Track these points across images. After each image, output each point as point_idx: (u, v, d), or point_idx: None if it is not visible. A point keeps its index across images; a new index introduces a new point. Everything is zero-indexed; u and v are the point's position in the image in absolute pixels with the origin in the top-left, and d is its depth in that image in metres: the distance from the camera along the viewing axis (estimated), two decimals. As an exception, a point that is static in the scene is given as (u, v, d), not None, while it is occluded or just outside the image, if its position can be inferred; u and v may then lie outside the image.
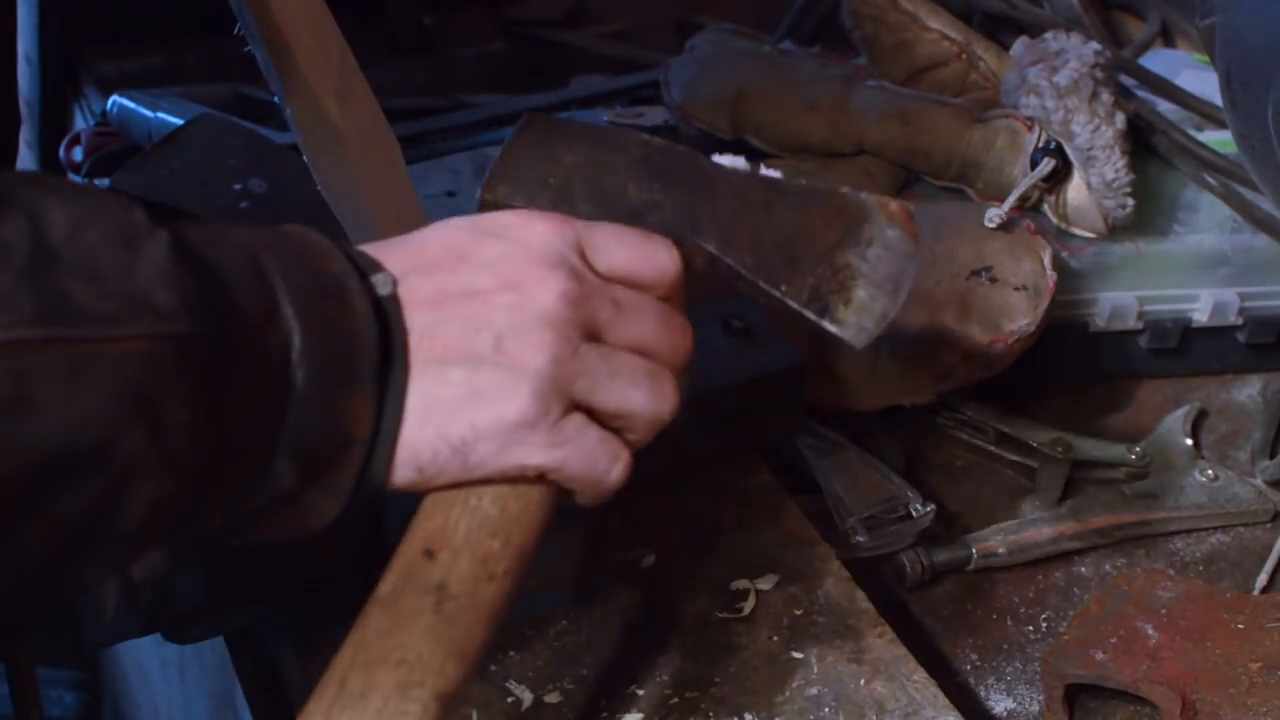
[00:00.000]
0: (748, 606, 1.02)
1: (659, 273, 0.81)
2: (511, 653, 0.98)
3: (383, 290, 0.74)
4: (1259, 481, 1.25)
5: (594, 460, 0.77)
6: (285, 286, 0.70)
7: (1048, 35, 1.37)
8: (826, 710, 0.95)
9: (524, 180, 0.86)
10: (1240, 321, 1.34)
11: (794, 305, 0.86)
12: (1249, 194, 1.34)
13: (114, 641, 0.94)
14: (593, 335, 0.77)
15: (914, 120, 1.32)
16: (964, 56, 1.40)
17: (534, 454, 0.75)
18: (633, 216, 0.84)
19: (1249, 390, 1.36)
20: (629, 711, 0.94)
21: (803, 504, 1.11)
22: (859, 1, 1.43)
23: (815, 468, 1.17)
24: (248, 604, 0.97)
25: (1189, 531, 1.21)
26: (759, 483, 1.12)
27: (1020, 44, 1.40)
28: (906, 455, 1.24)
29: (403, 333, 0.74)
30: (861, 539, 1.12)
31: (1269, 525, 1.22)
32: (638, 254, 0.80)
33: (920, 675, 0.97)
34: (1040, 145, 1.28)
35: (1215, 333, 1.35)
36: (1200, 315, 1.33)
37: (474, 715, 0.94)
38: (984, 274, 1.21)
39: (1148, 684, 0.99)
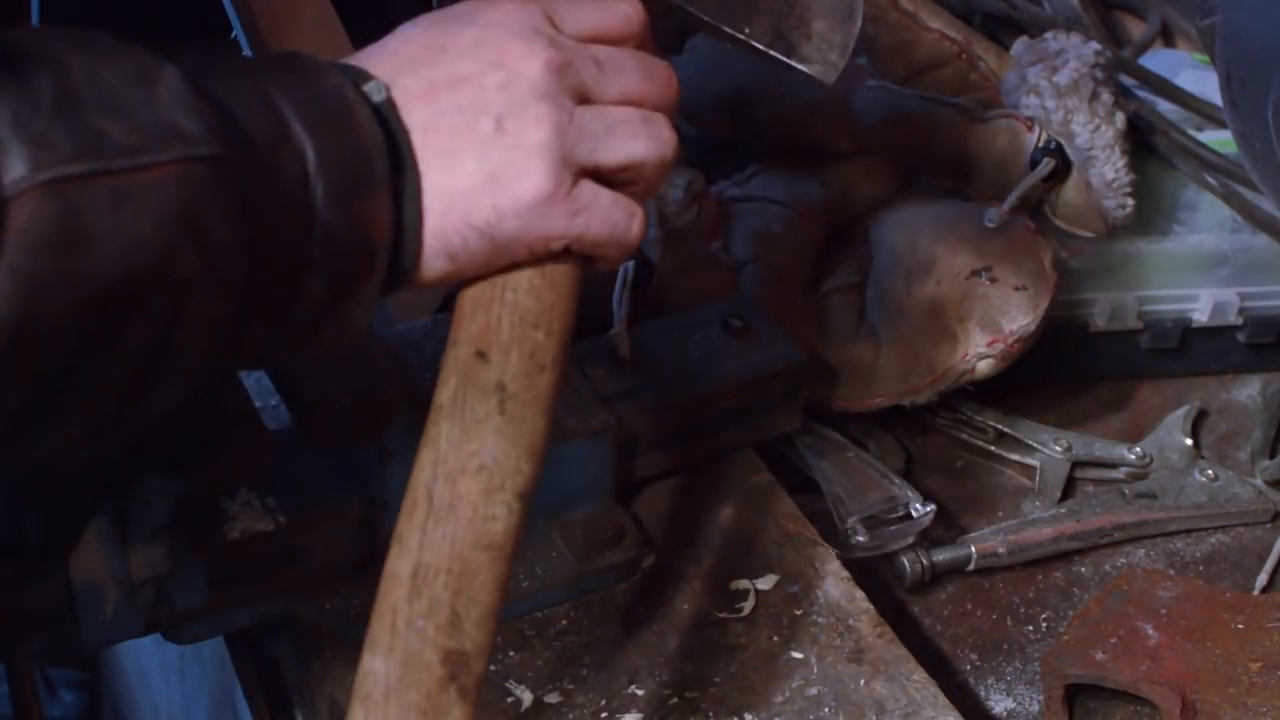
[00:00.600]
0: (748, 606, 1.02)
1: (625, 24, 0.83)
2: (511, 653, 0.98)
3: (378, 97, 0.76)
4: (1259, 481, 1.25)
5: (613, 220, 0.80)
6: (291, 106, 0.72)
7: (1048, 35, 1.37)
8: (826, 710, 0.95)
9: None
10: (1240, 321, 1.34)
11: (759, 46, 0.88)
12: (1249, 194, 1.34)
13: (114, 641, 0.94)
14: (582, 98, 0.79)
15: (914, 120, 1.32)
16: (964, 56, 1.40)
17: (557, 225, 0.78)
18: None
19: (1249, 390, 1.36)
20: (629, 711, 0.94)
21: (803, 504, 1.11)
22: (859, 1, 1.43)
23: (815, 468, 1.17)
24: (248, 604, 0.97)
25: (1189, 531, 1.21)
26: (759, 483, 1.12)
27: (1020, 44, 1.39)
28: (906, 455, 1.24)
29: (405, 132, 0.75)
30: (861, 539, 1.12)
31: (1269, 525, 1.22)
32: (602, 11, 0.82)
33: (920, 675, 0.97)
34: (1040, 145, 1.28)
35: (1215, 333, 1.35)
36: (1200, 315, 1.33)
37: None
38: (984, 274, 1.21)
39: (1148, 684, 0.99)
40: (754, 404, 1.11)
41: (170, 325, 0.68)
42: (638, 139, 0.80)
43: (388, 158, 0.75)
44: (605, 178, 0.80)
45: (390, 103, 0.76)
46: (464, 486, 0.75)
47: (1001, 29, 1.52)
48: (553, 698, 0.95)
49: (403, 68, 0.77)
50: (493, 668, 0.97)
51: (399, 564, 0.74)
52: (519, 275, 0.79)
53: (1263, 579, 1.16)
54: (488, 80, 0.77)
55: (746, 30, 0.87)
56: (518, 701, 0.95)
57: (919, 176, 1.35)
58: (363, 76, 0.77)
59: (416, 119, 0.76)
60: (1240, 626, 1.04)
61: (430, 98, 0.76)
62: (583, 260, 0.81)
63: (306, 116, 0.73)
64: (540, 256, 0.79)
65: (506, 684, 0.96)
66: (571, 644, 0.99)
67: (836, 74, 0.89)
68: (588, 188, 0.79)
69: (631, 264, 1.20)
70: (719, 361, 1.11)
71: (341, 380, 0.93)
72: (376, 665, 0.73)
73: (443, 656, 0.73)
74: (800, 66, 0.88)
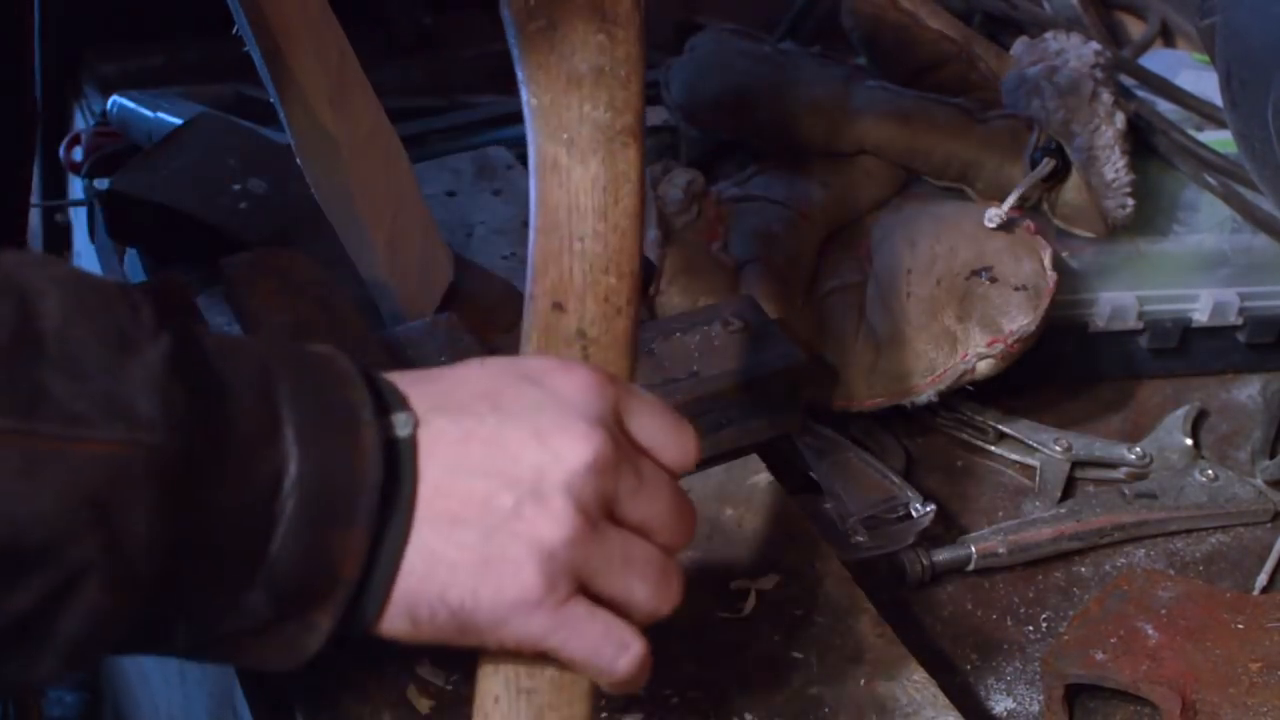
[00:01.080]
0: (748, 606, 1.02)
1: (681, 455, 0.77)
2: (511, 653, 0.98)
3: (402, 431, 0.70)
4: (1259, 481, 1.25)
5: (597, 649, 0.73)
6: (292, 408, 0.67)
7: (1048, 35, 1.37)
8: (826, 710, 0.94)
9: None
10: (1240, 321, 1.34)
11: None
12: (1249, 194, 1.34)
13: (114, 642, 0.94)
14: (610, 507, 0.73)
15: (914, 120, 1.32)
16: (964, 56, 1.40)
17: (534, 632, 0.72)
18: None
19: (1249, 390, 1.36)
20: (629, 711, 0.94)
21: (803, 504, 1.11)
22: (859, 1, 1.43)
23: (815, 468, 1.17)
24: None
25: (1189, 531, 1.21)
26: (759, 483, 1.12)
27: (1020, 44, 1.40)
28: (906, 455, 1.24)
29: (413, 479, 0.70)
30: (861, 539, 1.12)
31: (1269, 525, 1.22)
32: (669, 432, 0.77)
33: (920, 675, 0.97)
34: (1040, 145, 1.28)
35: (1215, 333, 1.35)
36: (1200, 315, 1.33)
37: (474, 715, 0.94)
38: (984, 274, 1.21)
39: (1148, 684, 0.99)
40: (754, 404, 1.11)
41: (51, 605, 0.62)
42: (645, 583, 0.74)
43: (379, 498, 0.68)
44: (597, 599, 0.74)
45: (413, 442, 0.70)
46: None
47: (1001, 29, 1.52)
48: (553, 698, 0.95)
49: (445, 408, 0.71)
50: (493, 668, 0.97)
51: None
52: (584, 223, 0.80)
53: (1263, 579, 1.16)
54: (527, 456, 0.71)
55: None
56: (518, 701, 0.95)
57: (919, 176, 1.35)
58: (398, 403, 0.71)
59: (434, 470, 0.70)
60: (1240, 626, 1.04)
61: (459, 453, 0.71)
62: None
63: (304, 425, 0.67)
64: (520, 646, 0.73)
65: (506, 684, 0.96)
66: (571, 644, 0.99)
67: None
68: (583, 607, 0.72)
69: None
70: (719, 361, 1.11)
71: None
72: None
73: None
74: None
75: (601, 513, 0.73)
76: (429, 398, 0.72)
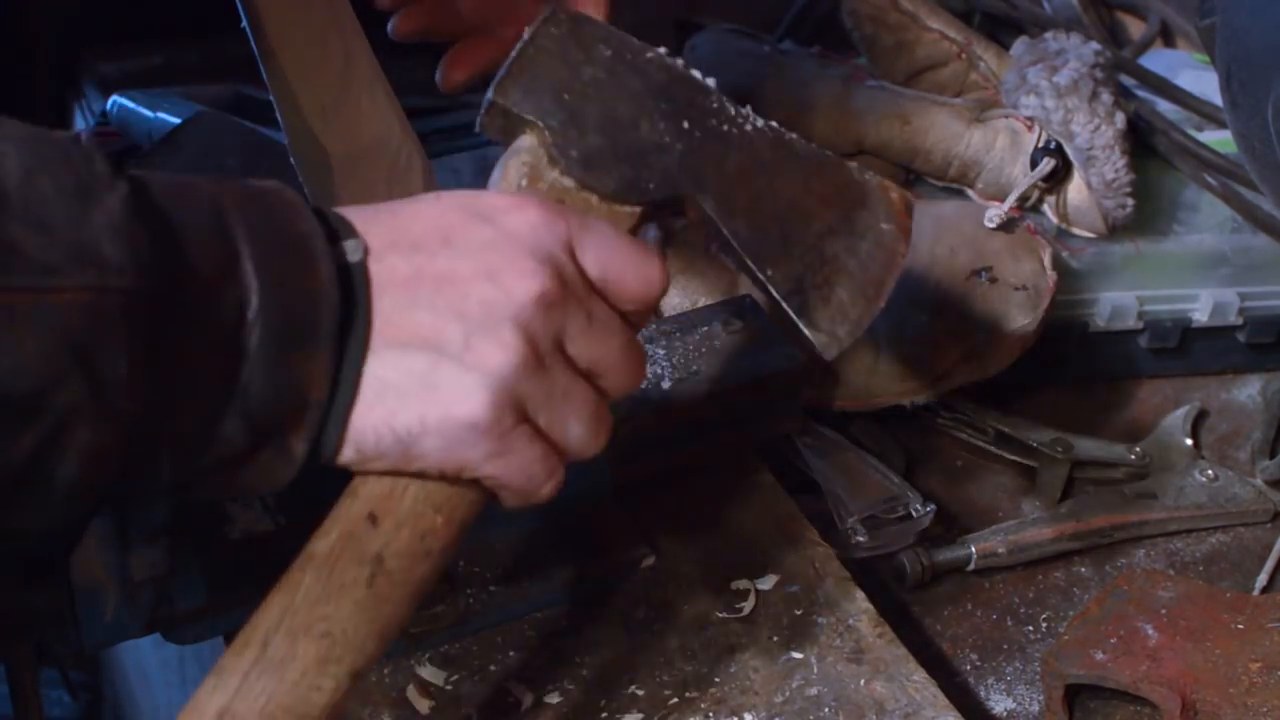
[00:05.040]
0: (748, 606, 1.02)
1: (644, 286, 0.78)
2: (511, 653, 0.98)
3: (353, 257, 0.72)
4: (1259, 481, 1.25)
5: (530, 475, 0.75)
6: (248, 242, 0.69)
7: (1048, 35, 1.37)
8: (826, 710, 0.95)
9: (539, 89, 0.83)
10: (1240, 321, 1.34)
11: (775, 293, 0.83)
12: (1249, 194, 1.34)
13: (114, 641, 0.94)
14: (559, 344, 0.75)
15: (914, 120, 1.32)
16: (964, 56, 1.40)
17: (476, 460, 0.73)
18: (638, 156, 0.82)
19: (1249, 390, 1.36)
20: (629, 711, 0.94)
21: (803, 504, 1.11)
22: (859, 1, 1.43)
23: (815, 468, 1.17)
24: (248, 604, 0.97)
25: (1189, 531, 1.21)
26: (759, 483, 1.12)
27: (1020, 44, 1.40)
28: (906, 455, 1.24)
29: (367, 303, 0.72)
30: (861, 539, 1.12)
31: (1269, 525, 1.22)
32: (628, 262, 0.78)
33: (920, 675, 0.97)
34: (1040, 145, 1.28)
35: (1215, 333, 1.35)
36: (1200, 315, 1.33)
37: (474, 715, 0.94)
38: (984, 274, 1.21)
39: (1148, 684, 0.99)
40: (754, 404, 1.11)
41: (45, 450, 0.64)
42: (580, 424, 0.76)
43: (337, 320, 0.70)
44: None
45: (364, 267, 0.72)
46: (301, 648, 0.72)
47: (1001, 29, 1.52)
48: (553, 698, 0.95)
49: (398, 245, 0.73)
50: (492, 668, 0.97)
51: (209, 699, 0.71)
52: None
53: (1263, 579, 1.16)
54: (476, 289, 0.73)
55: (769, 272, 0.82)
56: (517, 701, 0.95)
57: (919, 176, 1.35)
58: (347, 231, 0.73)
59: (386, 304, 0.72)
60: (1240, 626, 1.04)
61: (411, 287, 0.72)
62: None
63: (261, 256, 0.69)
64: (447, 479, 0.75)
65: (506, 684, 0.96)
66: (571, 644, 0.99)
67: (838, 351, 0.83)
68: (524, 434, 0.74)
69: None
70: (719, 361, 1.11)
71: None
72: None
73: None
74: (805, 330, 0.83)
75: (550, 348, 0.74)
76: (383, 234, 0.73)
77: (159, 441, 0.68)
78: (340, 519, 0.75)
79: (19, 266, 0.62)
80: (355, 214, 0.74)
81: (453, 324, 0.72)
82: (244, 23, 1.04)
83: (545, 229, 0.75)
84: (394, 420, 0.72)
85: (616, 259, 0.77)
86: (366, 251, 0.72)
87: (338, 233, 0.72)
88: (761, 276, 0.84)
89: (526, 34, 0.84)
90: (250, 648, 0.72)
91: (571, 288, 0.75)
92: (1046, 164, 1.27)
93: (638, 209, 0.83)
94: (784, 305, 0.84)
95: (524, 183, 0.82)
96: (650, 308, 0.79)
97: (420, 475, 0.74)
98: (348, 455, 0.73)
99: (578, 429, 0.76)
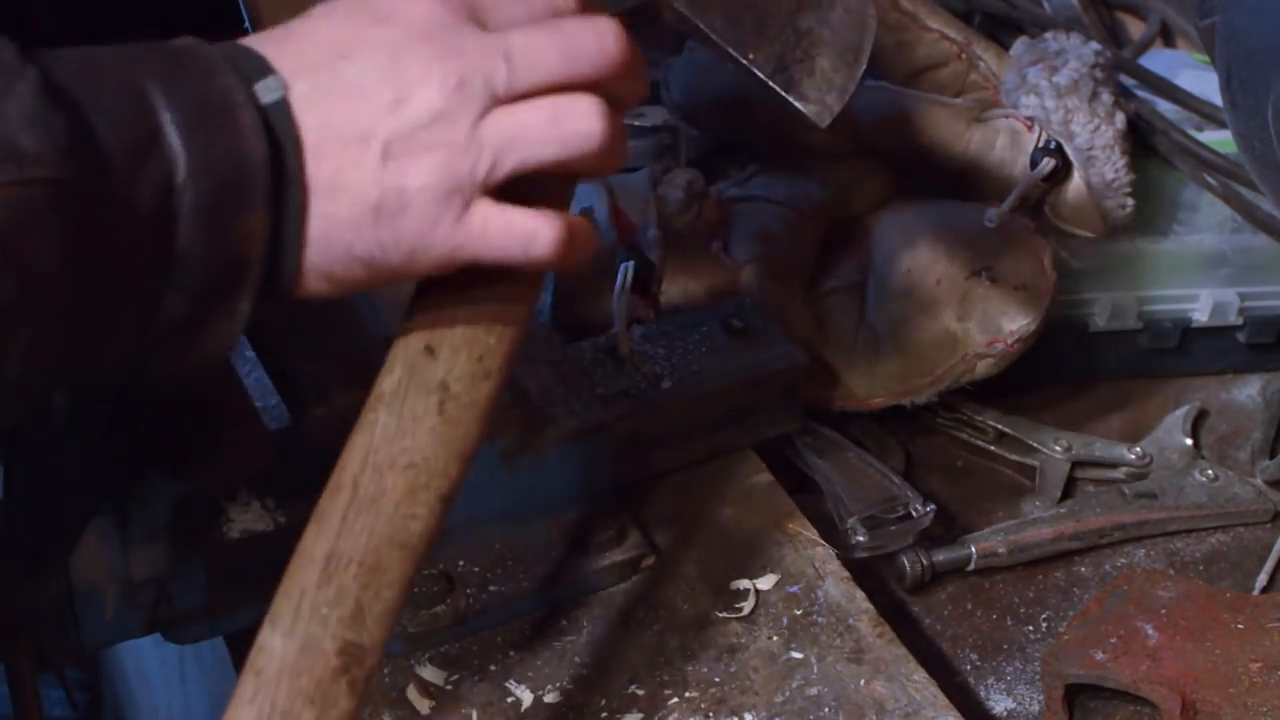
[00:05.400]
0: (748, 606, 1.02)
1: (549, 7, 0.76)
2: (511, 653, 0.98)
3: (271, 96, 0.71)
4: (1259, 481, 1.25)
5: (506, 244, 0.75)
6: (169, 109, 0.68)
7: (1048, 35, 1.37)
8: (826, 710, 0.95)
9: None
10: (1240, 321, 1.34)
11: (761, 75, 0.86)
12: (1249, 194, 1.34)
13: (114, 641, 0.94)
14: (492, 102, 0.73)
15: (914, 120, 1.32)
16: (964, 56, 1.40)
17: (443, 254, 0.74)
18: None
19: (1249, 390, 1.36)
20: (629, 711, 0.94)
21: (803, 504, 1.11)
22: (859, 1, 1.43)
23: (815, 468, 1.17)
24: (248, 604, 0.97)
25: (1189, 531, 1.21)
26: (759, 483, 1.12)
27: (1020, 44, 1.39)
28: (906, 455, 1.24)
29: (296, 144, 0.71)
30: (861, 539, 1.12)
31: (1269, 525, 1.22)
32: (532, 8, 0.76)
33: (920, 675, 0.97)
34: (1040, 145, 1.28)
35: (1215, 333, 1.35)
36: (1200, 315, 1.33)
37: (474, 715, 0.94)
38: (984, 274, 1.21)
39: (1148, 684, 0.99)
40: (754, 404, 1.11)
41: None
42: (545, 143, 0.74)
43: (268, 172, 0.69)
44: (528, 180, 0.75)
45: (285, 105, 0.71)
46: (390, 481, 0.75)
47: (1001, 29, 1.52)
48: (552, 698, 0.95)
49: (302, 71, 0.72)
50: (492, 667, 0.97)
51: (315, 545, 0.74)
52: (481, 271, 0.77)
53: (1263, 579, 1.16)
54: (381, 96, 0.72)
55: (751, 56, 0.85)
56: (518, 701, 0.95)
57: (919, 177, 1.35)
58: (261, 70, 0.71)
59: (309, 136, 0.71)
60: (1240, 626, 1.04)
61: (324, 111, 0.71)
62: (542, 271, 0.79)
63: (183, 121, 0.68)
64: (440, 269, 0.76)
65: (506, 684, 0.96)
66: (571, 644, 0.99)
67: (830, 117, 0.86)
68: (478, 214, 0.74)
69: (631, 264, 1.20)
70: (719, 361, 1.11)
71: (341, 379, 0.93)
72: (275, 643, 0.73)
73: (340, 647, 0.73)
74: (797, 104, 0.86)
75: (481, 112, 0.73)
76: (287, 59, 0.72)
77: (101, 327, 0.68)
78: (400, 356, 0.77)
79: None
80: (258, 41, 0.73)
81: (371, 141, 0.71)
82: (245, 24, 1.04)
83: (443, 8, 0.74)
84: (354, 251, 0.73)
85: (526, 6, 0.76)
86: (286, 88, 0.71)
87: (251, 75, 0.71)
88: (745, 62, 0.86)
89: None
90: (342, 491, 0.75)
91: (476, 53, 0.73)
92: (1046, 164, 1.27)
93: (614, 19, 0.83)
94: (772, 84, 0.86)
95: None
96: (573, 6, 0.77)
97: (461, 293, 0.76)
98: (323, 288, 0.74)
99: (545, 149, 0.74)
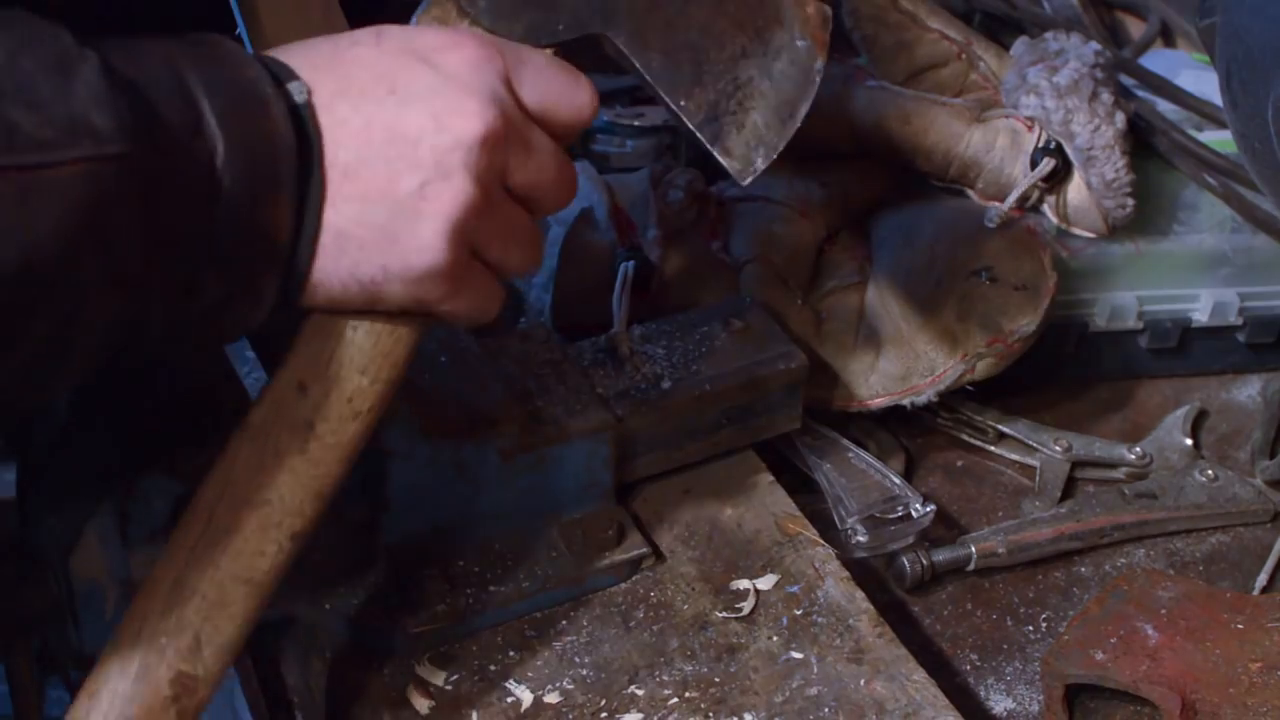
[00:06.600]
0: (748, 606, 1.02)
1: (575, 114, 0.81)
2: (511, 653, 0.98)
3: (298, 98, 0.74)
4: (1259, 481, 1.25)
5: (481, 303, 0.81)
6: (207, 96, 0.71)
7: (1048, 35, 1.37)
8: (826, 710, 0.95)
9: None
10: (1240, 321, 1.34)
11: (689, 124, 0.85)
12: (1249, 194, 1.34)
13: (114, 641, 0.94)
14: (503, 177, 0.79)
15: (914, 120, 1.32)
16: (964, 56, 1.40)
17: (435, 296, 0.78)
18: None
19: (1249, 390, 1.36)
20: (629, 711, 0.94)
21: (803, 504, 1.11)
22: (859, 1, 1.43)
23: (815, 468, 1.17)
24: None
25: (1189, 531, 1.21)
26: (759, 483, 1.12)
27: (1020, 44, 1.39)
28: (906, 455, 1.24)
29: (320, 150, 0.74)
30: (861, 539, 1.12)
31: (1269, 525, 1.22)
32: (563, 92, 0.81)
33: (920, 675, 0.97)
34: (1040, 145, 1.28)
35: (1215, 333, 1.35)
36: (1200, 315, 1.33)
37: (474, 715, 0.94)
38: (984, 274, 1.21)
39: (1148, 684, 0.99)
40: (754, 404, 1.11)
41: (68, 323, 0.67)
42: (520, 249, 0.81)
43: (296, 160, 0.73)
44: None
45: (311, 110, 0.74)
46: (244, 516, 0.75)
47: (1001, 29, 1.52)
48: (553, 698, 0.95)
49: (346, 93, 0.75)
50: (492, 668, 0.97)
51: (163, 573, 0.75)
52: (368, 314, 0.78)
53: (1263, 579, 1.16)
54: (426, 139, 0.75)
55: (682, 102, 0.84)
56: (518, 701, 0.95)
57: (919, 176, 1.35)
58: (287, 74, 0.75)
59: (342, 156, 0.74)
60: (1240, 626, 1.04)
61: (363, 139, 0.75)
62: (434, 321, 0.81)
63: (219, 108, 0.71)
64: (408, 313, 0.79)
65: (506, 684, 0.96)
66: (571, 644, 0.99)
67: (753, 176, 0.85)
68: (477, 269, 0.80)
69: (631, 264, 1.20)
70: (719, 361, 1.11)
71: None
72: (111, 667, 0.74)
73: (174, 677, 0.74)
74: (721, 158, 0.85)
75: (496, 184, 0.78)
76: (330, 82, 0.75)
77: (152, 301, 0.71)
78: (271, 389, 0.78)
79: (23, 145, 0.64)
80: (296, 58, 0.76)
81: (407, 176, 0.75)
82: (240, 29, 1.04)
83: (484, 65, 0.78)
84: (358, 271, 0.75)
85: (552, 87, 0.80)
86: (310, 93, 0.74)
87: (280, 76, 0.74)
88: (675, 108, 0.85)
89: None
90: (196, 521, 0.75)
91: (512, 122, 0.78)
92: (1046, 164, 1.27)
93: (549, 52, 0.84)
94: (699, 135, 0.85)
95: None
96: (580, 129, 0.83)
97: (365, 317, 0.78)
98: (320, 300, 0.77)
99: (518, 254, 0.81)
